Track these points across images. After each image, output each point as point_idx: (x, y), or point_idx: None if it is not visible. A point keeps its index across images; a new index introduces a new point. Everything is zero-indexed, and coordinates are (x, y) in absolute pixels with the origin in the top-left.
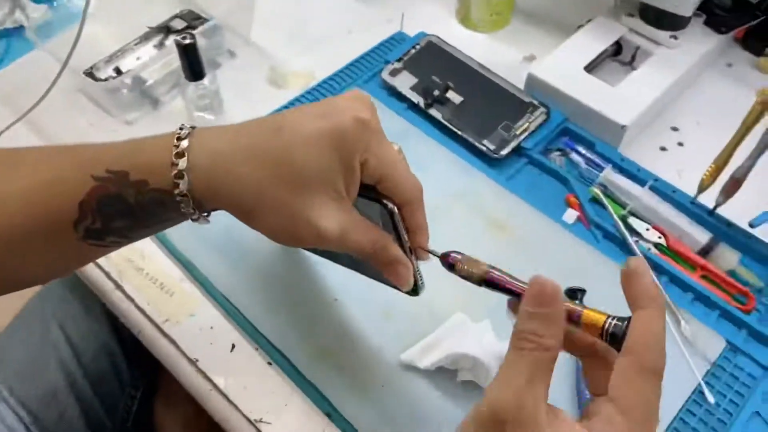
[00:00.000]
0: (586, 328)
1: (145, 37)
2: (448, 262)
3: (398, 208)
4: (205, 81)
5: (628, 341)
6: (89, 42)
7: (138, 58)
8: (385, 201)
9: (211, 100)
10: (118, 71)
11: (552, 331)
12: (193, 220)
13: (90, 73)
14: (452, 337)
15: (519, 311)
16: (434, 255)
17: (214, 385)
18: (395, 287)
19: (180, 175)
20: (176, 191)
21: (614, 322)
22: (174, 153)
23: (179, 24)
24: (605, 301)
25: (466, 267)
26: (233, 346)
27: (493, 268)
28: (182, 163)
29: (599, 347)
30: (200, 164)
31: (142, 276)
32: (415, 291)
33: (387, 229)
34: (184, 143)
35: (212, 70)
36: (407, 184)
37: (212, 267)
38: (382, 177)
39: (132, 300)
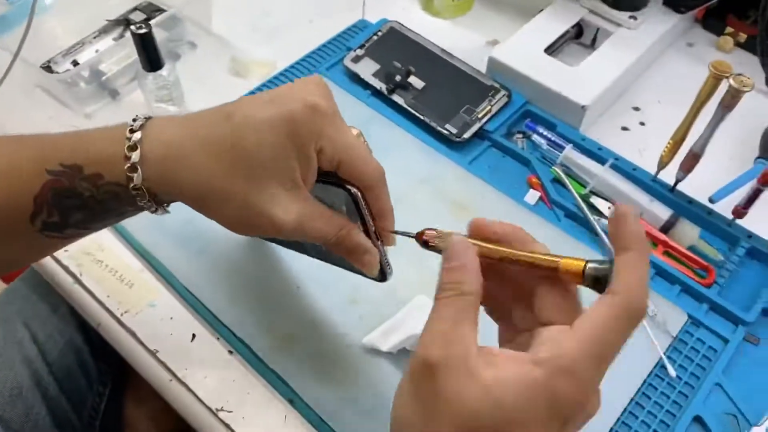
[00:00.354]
0: (566, 276)
1: (104, 30)
2: (423, 239)
3: (361, 193)
4: (164, 72)
5: (617, 281)
6: (48, 36)
7: (97, 51)
8: (348, 186)
9: (171, 91)
10: (76, 64)
11: (469, 278)
12: (151, 212)
13: (47, 67)
14: (414, 319)
15: (440, 270)
16: (408, 236)
17: (174, 376)
18: (363, 274)
19: (133, 169)
20: (131, 185)
21: (594, 265)
22: (126, 146)
23: (138, 16)
24: None
25: (438, 242)
26: (194, 336)
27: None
28: (135, 156)
29: (562, 276)
30: (153, 157)
31: (101, 268)
32: (383, 277)
33: (351, 215)
34: (137, 135)
35: (172, 61)
36: (368, 168)
37: (172, 257)
38: (340, 162)
39: (91, 293)
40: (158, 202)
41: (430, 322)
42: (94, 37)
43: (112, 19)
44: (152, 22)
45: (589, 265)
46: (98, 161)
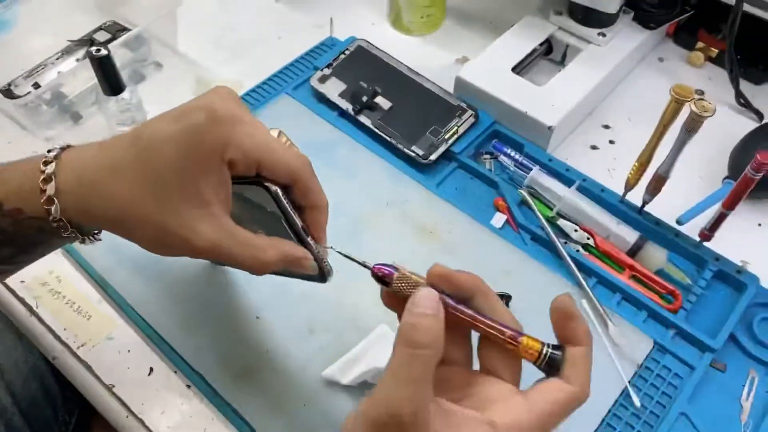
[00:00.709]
0: (524, 353)
1: (67, 51)
2: (380, 276)
3: (291, 189)
4: (125, 95)
5: (573, 373)
6: (10, 57)
7: (59, 73)
8: (267, 183)
9: (133, 114)
10: (38, 87)
11: (437, 336)
12: (80, 242)
13: (7, 90)
14: (375, 351)
15: (412, 311)
16: (363, 266)
17: (131, 411)
18: (304, 277)
19: (50, 201)
20: (50, 217)
21: (551, 351)
22: (41, 179)
23: (103, 36)
24: (533, 303)
25: (402, 286)
26: (151, 370)
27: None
28: (50, 188)
29: (519, 352)
30: (68, 187)
31: (59, 300)
32: (322, 277)
33: (277, 215)
34: (51, 167)
35: (134, 84)
36: (289, 162)
37: (130, 288)
38: (259, 162)
39: (47, 326)
40: (83, 232)
41: (399, 371)
42: (57, 58)
43: (75, 40)
44: (117, 42)
45: (548, 350)
46: (16, 196)
